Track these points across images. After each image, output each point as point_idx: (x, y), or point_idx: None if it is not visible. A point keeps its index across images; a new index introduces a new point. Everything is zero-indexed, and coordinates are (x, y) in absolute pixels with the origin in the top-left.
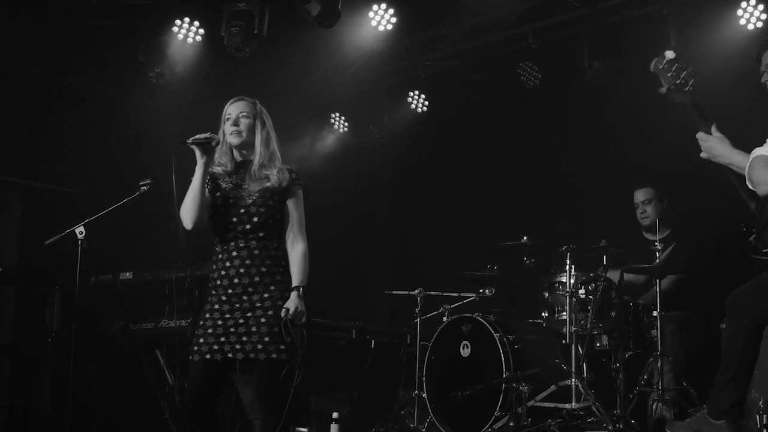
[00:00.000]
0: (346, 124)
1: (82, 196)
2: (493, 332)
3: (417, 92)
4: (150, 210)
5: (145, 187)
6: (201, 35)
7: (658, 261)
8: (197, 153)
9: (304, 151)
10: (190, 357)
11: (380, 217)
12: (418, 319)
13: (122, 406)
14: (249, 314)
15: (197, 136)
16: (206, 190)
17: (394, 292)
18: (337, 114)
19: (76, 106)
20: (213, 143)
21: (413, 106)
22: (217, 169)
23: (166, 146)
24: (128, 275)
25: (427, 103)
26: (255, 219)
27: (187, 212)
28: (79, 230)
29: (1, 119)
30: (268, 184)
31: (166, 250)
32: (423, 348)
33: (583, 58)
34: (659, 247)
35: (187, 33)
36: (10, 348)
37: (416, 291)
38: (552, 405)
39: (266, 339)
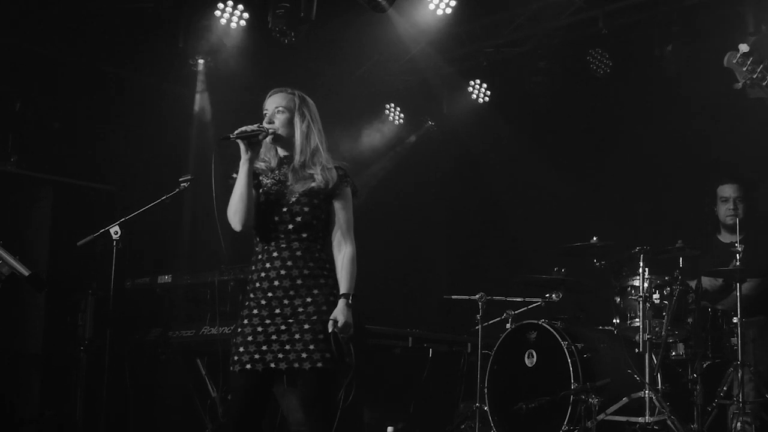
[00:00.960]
0: (402, 115)
1: (118, 193)
2: (560, 340)
3: (478, 81)
4: (190, 208)
5: (185, 184)
6: (245, 19)
7: (738, 263)
8: (242, 148)
9: (356, 145)
10: (231, 368)
11: (439, 215)
12: (480, 326)
13: (160, 419)
14: (291, 320)
15: (243, 129)
16: (253, 187)
17: (453, 297)
18: (392, 105)
19: (111, 96)
20: (261, 137)
21: (474, 96)
22: (260, 165)
23: (208, 140)
24: (167, 278)
25: (488, 92)
26: (299, 218)
27: (235, 213)
28: (114, 230)
29: (30, 111)
30: (313, 184)
31: (207, 252)
32: (485, 357)
33: (656, 44)
34: (739, 249)
35: (230, 17)
36: (40, 357)
37: (477, 295)
38: (624, 419)
39: (311, 347)
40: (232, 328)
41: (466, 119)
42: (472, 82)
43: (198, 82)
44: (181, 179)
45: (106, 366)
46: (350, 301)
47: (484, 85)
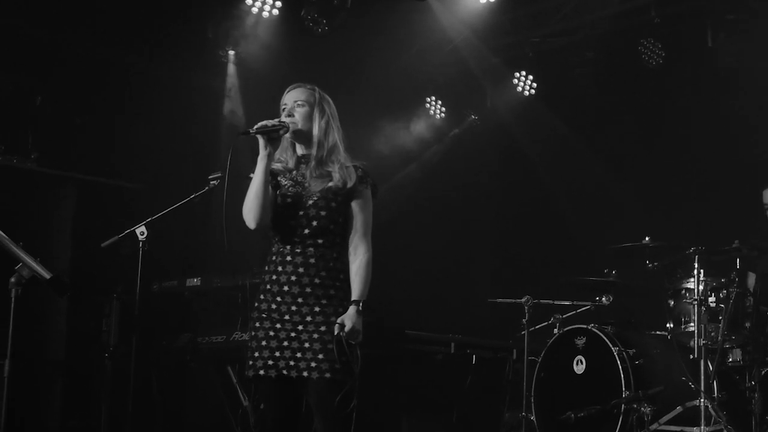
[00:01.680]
0: (443, 109)
1: (144, 192)
2: (611, 346)
3: (523, 73)
4: (221, 207)
5: (215, 182)
6: (278, 8)
7: None
8: (261, 143)
9: (394, 140)
10: (246, 372)
11: (483, 214)
12: (526, 331)
13: (189, 429)
14: (300, 327)
15: (264, 123)
16: (269, 185)
17: (498, 301)
18: (433, 98)
19: (136, 89)
20: (281, 132)
21: (519, 88)
22: (277, 166)
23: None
24: (196, 282)
25: (534, 85)
26: (315, 223)
27: (250, 210)
28: (140, 230)
29: (51, 105)
30: (330, 183)
31: (238, 253)
32: (531, 363)
33: (710, 33)
34: None
35: (262, 5)
36: (62, 365)
37: (523, 299)
38: (678, 429)
39: (320, 356)
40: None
41: (510, 113)
42: (517, 74)
43: (228, 73)
44: (210, 177)
45: (131, 374)
46: (360, 308)
47: (530, 77)
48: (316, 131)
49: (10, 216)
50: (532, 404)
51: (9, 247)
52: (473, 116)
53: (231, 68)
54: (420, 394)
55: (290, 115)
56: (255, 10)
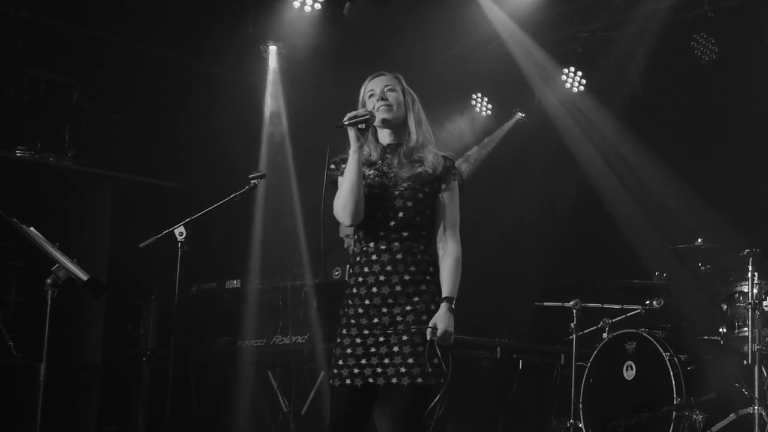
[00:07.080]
0: (490, 106)
1: (183, 191)
2: (661, 351)
3: (572, 69)
4: (262, 207)
5: (255, 181)
6: (320, 3)
7: None
8: (352, 135)
9: (439, 138)
10: (330, 381)
11: (530, 215)
12: (574, 336)
13: None
14: (390, 330)
15: (353, 113)
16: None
17: (545, 304)
18: (479, 95)
19: (175, 85)
20: (372, 121)
21: (568, 84)
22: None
23: (281, 132)
24: (236, 283)
25: (584, 81)
26: (401, 214)
27: (345, 206)
28: (179, 230)
29: (88, 102)
30: (420, 169)
31: (279, 255)
32: (579, 369)
33: (766, 27)
34: None
35: (304, 0)
36: (98, 369)
37: (572, 302)
38: None
39: (410, 361)
40: (306, 337)
41: (559, 110)
42: (565, 70)
43: (269, 69)
44: (251, 176)
45: (169, 378)
46: (453, 306)
47: (579, 73)
48: (411, 119)
49: (47, 215)
50: (581, 411)
51: (45, 248)
52: (520, 114)
53: (272, 64)
54: (465, 399)
55: (383, 98)
56: (297, 4)
